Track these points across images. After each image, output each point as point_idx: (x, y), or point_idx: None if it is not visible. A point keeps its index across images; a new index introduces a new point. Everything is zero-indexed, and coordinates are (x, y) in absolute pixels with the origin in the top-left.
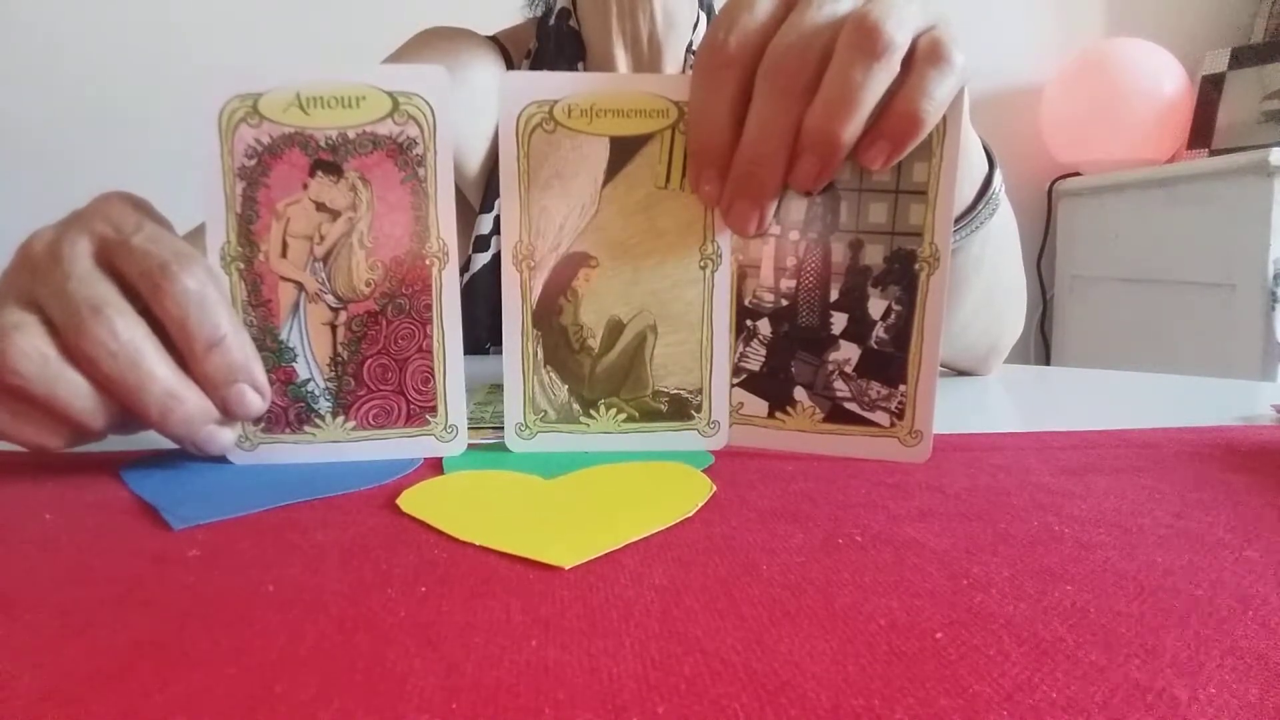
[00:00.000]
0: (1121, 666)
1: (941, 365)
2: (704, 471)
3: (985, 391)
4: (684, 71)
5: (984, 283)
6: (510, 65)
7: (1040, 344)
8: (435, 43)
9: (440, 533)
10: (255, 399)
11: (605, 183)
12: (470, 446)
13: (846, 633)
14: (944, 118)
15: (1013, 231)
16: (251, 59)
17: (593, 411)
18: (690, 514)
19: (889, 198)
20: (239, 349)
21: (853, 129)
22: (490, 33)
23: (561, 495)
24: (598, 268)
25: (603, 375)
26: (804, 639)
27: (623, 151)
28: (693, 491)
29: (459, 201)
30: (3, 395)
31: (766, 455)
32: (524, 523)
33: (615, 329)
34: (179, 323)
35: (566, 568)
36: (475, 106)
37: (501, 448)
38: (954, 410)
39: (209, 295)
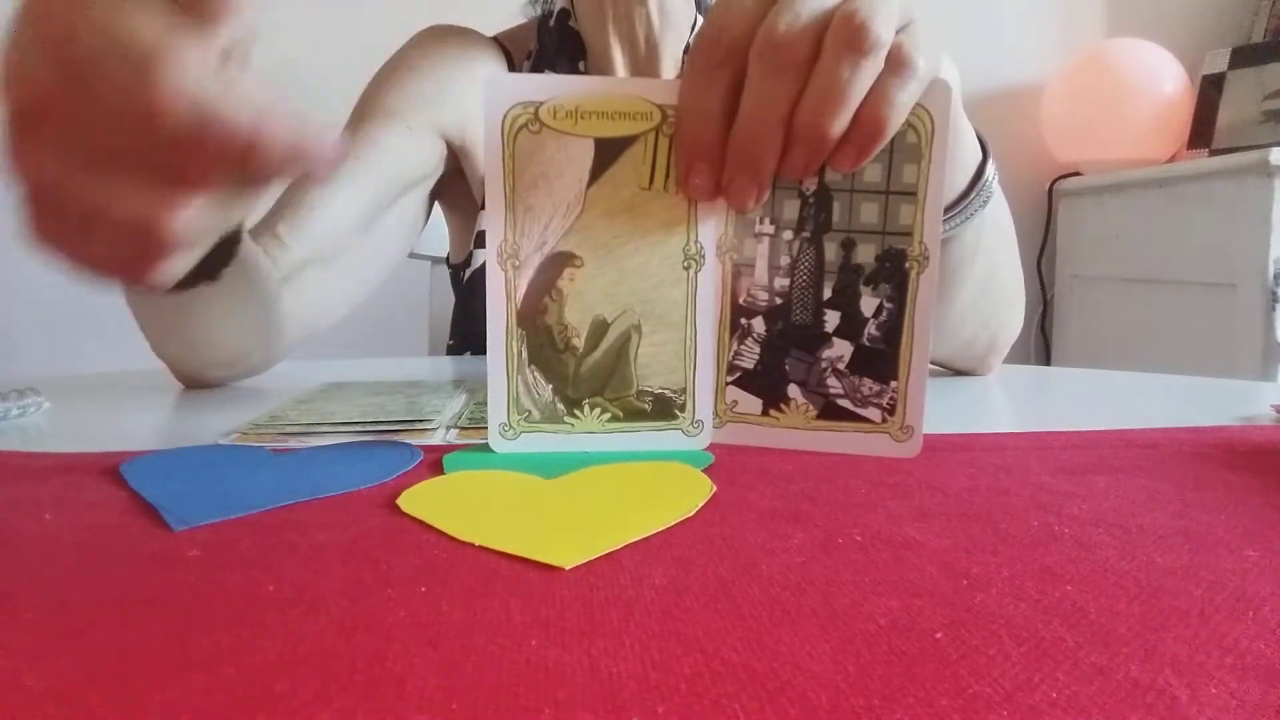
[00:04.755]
0: (1121, 666)
1: (941, 365)
2: (704, 471)
3: (985, 391)
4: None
5: (980, 274)
6: (512, 66)
7: (1040, 344)
8: (445, 40)
9: (440, 533)
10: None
11: (590, 183)
12: (471, 447)
13: (846, 633)
14: (932, 121)
15: (1008, 225)
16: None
17: (577, 411)
18: (690, 514)
19: (880, 198)
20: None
21: (840, 123)
22: (491, 34)
23: (561, 495)
24: (582, 267)
25: (587, 375)
26: (804, 639)
27: (608, 153)
28: (693, 491)
29: (462, 198)
30: None
31: (766, 455)
32: (524, 523)
33: (599, 328)
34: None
35: (566, 568)
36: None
37: None
38: (954, 410)
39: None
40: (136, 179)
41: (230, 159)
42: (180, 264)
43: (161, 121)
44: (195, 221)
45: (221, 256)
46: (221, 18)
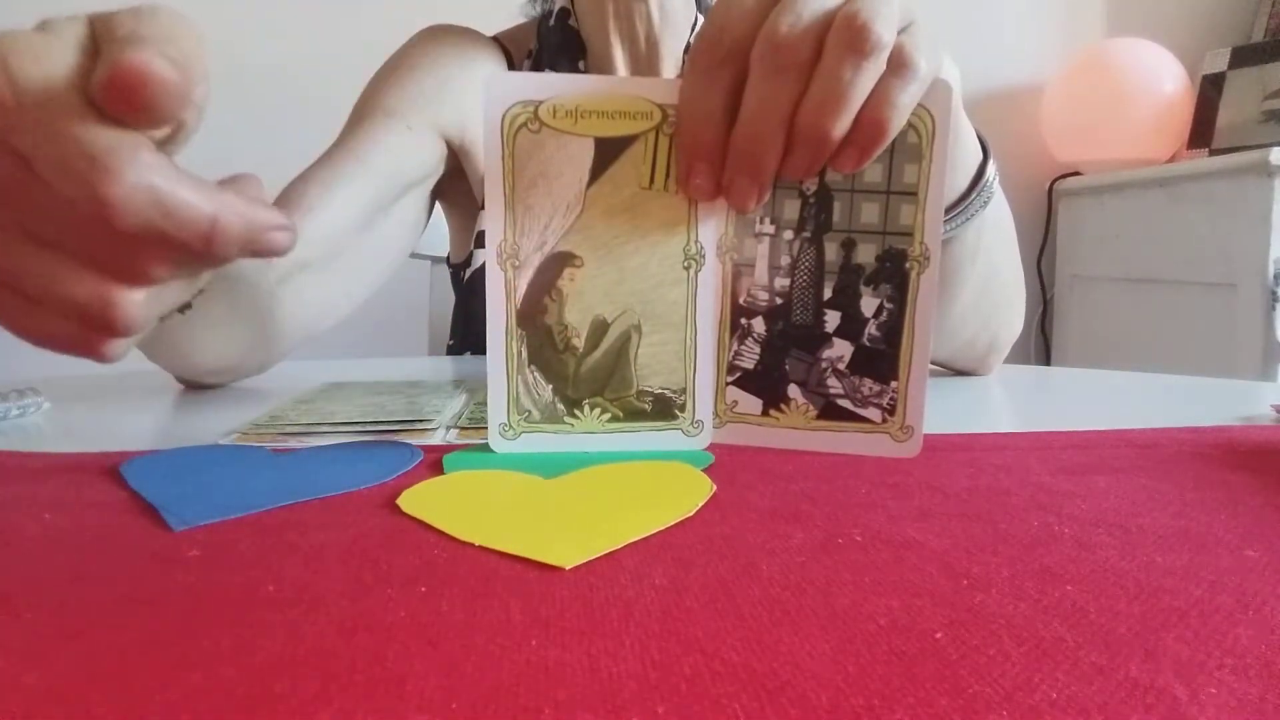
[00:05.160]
0: (1121, 666)
1: (942, 365)
2: (704, 471)
3: (985, 391)
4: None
5: (980, 274)
6: (512, 66)
7: (1040, 344)
8: (444, 39)
9: (440, 533)
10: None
11: (590, 183)
12: (471, 447)
13: (846, 633)
14: (933, 121)
15: (1008, 226)
16: (249, 57)
17: (577, 411)
18: (690, 514)
19: (880, 198)
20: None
21: (842, 125)
22: (491, 33)
23: (561, 495)
24: (582, 267)
25: (587, 375)
26: (804, 639)
27: (607, 152)
28: (693, 491)
29: (462, 198)
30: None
31: (766, 455)
32: (524, 523)
33: (600, 328)
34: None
35: (566, 568)
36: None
37: None
38: (954, 410)
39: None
40: (87, 265)
41: (186, 250)
42: (135, 341)
43: (115, 219)
44: (147, 306)
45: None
46: (176, 117)
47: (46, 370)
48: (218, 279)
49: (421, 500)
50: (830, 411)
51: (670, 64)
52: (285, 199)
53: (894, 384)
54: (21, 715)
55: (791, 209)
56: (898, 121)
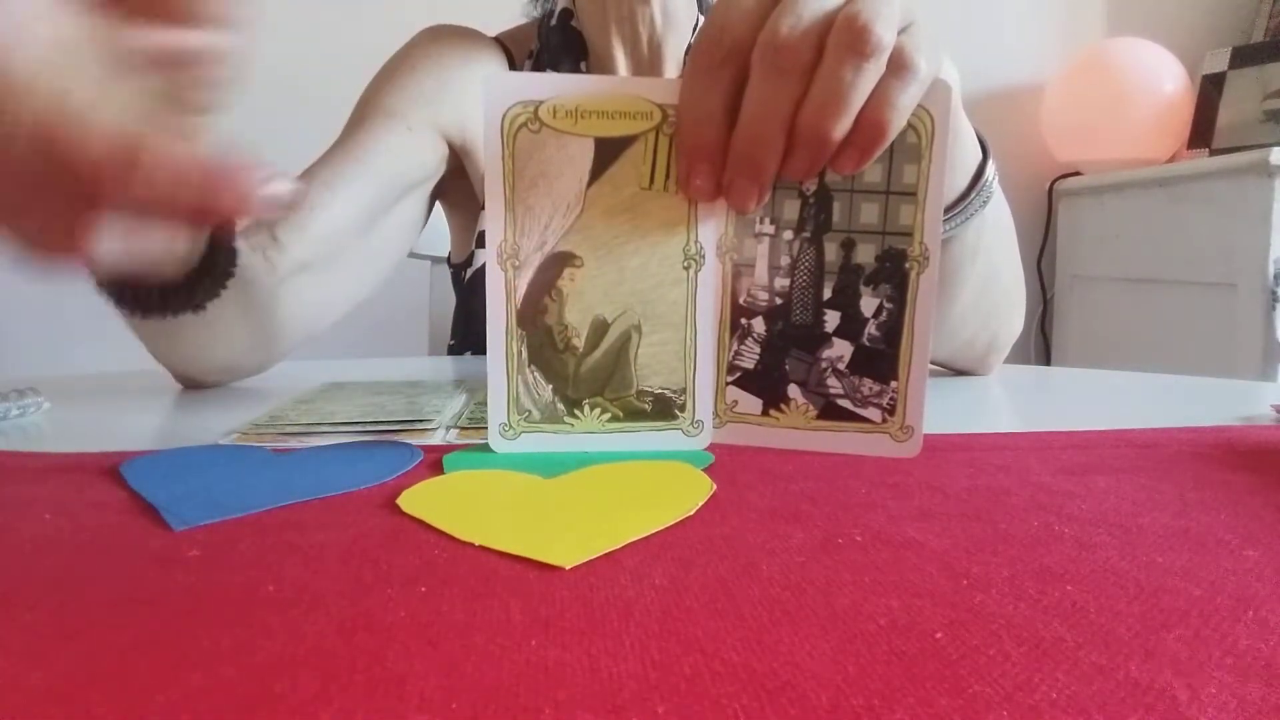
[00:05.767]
0: (1121, 666)
1: (942, 365)
2: (704, 471)
3: (985, 391)
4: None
5: (980, 274)
6: (513, 66)
7: (1040, 344)
8: (445, 40)
9: (440, 533)
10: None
11: (590, 183)
12: (471, 447)
13: (846, 633)
14: (933, 121)
15: (1008, 225)
16: (249, 57)
17: (577, 411)
18: (690, 513)
19: (880, 198)
20: None
21: (843, 127)
22: (492, 34)
23: (561, 495)
24: (583, 267)
25: (587, 375)
26: (804, 639)
27: (607, 152)
28: (693, 491)
29: (464, 198)
30: None
31: (766, 455)
32: (524, 522)
33: (600, 328)
34: None
35: (567, 568)
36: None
37: None
38: (954, 410)
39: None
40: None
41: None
42: (116, 252)
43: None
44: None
45: (209, 288)
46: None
47: (46, 370)
48: (233, 281)
49: (421, 500)
50: (830, 411)
51: (672, 65)
52: None
53: (894, 384)
54: (21, 715)
55: (791, 209)
56: (898, 123)
